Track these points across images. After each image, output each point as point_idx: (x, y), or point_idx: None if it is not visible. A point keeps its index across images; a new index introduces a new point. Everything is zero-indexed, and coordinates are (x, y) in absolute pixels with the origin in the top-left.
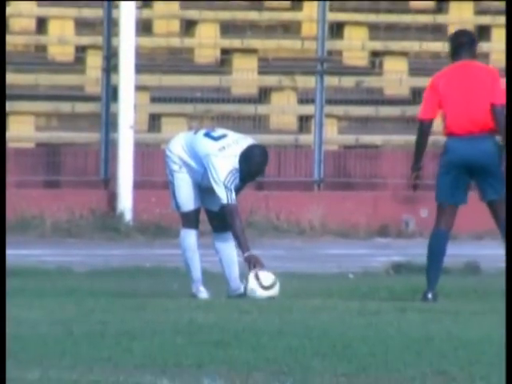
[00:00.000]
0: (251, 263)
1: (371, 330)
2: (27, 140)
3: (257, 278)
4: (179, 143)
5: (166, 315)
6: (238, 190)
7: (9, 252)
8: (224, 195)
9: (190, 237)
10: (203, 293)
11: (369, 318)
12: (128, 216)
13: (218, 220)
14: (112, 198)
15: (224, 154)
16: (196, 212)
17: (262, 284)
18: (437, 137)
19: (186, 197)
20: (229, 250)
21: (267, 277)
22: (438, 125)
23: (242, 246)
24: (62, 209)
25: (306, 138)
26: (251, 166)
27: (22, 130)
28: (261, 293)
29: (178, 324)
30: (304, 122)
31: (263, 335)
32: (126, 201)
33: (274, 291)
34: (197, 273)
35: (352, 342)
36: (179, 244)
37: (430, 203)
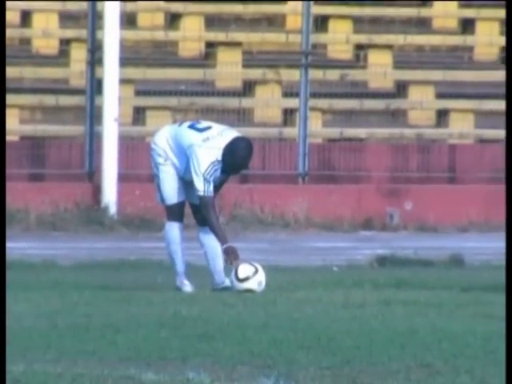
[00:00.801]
0: (229, 255)
1: (355, 323)
2: (12, 133)
3: (235, 270)
4: (164, 136)
5: (150, 308)
6: (221, 182)
7: (5, 254)
8: (201, 186)
9: (174, 230)
10: (187, 286)
11: (353, 310)
12: (112, 209)
13: (193, 212)
14: (96, 191)
15: (208, 145)
16: (180, 205)
17: (238, 276)
18: (422, 130)
19: (171, 190)
20: (213, 243)
21: (245, 269)
22: (424, 118)
23: (219, 237)
24: (47, 202)
25: (291, 131)
26: (236, 159)
27: (7, 123)
28: (236, 285)
29: (163, 317)
30: (288, 115)
31: (248, 328)
32: (110, 194)
33: (251, 284)
34: (181, 266)
35: (336, 334)
36: (164, 237)
37: (414, 196)
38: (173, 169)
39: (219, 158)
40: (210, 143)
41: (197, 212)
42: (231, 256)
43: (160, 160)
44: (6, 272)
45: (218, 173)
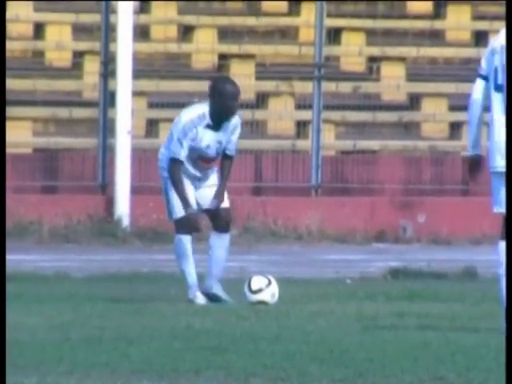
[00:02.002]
0: (187, 226)
1: (368, 336)
2: (25, 145)
3: (248, 282)
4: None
5: (163, 320)
6: (227, 144)
7: (6, 257)
8: (173, 148)
9: (184, 243)
10: (200, 298)
11: (366, 323)
12: (125, 221)
13: (219, 219)
14: (109, 204)
15: (190, 109)
16: (189, 217)
17: (251, 288)
18: (435, 142)
19: (179, 202)
20: (221, 250)
21: (258, 281)
22: (437, 131)
23: (182, 201)
24: (60, 214)
25: (304, 144)
26: (224, 99)
27: (20, 136)
28: (249, 296)
29: (176, 329)
30: (301, 127)
31: (261, 341)
32: (123, 206)
33: (264, 296)
34: (193, 278)
35: (349, 347)
36: (174, 250)
37: (428, 208)
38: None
39: (201, 112)
40: (193, 107)
41: (213, 217)
42: (188, 227)
43: (164, 173)
44: (5, 287)
45: (199, 132)
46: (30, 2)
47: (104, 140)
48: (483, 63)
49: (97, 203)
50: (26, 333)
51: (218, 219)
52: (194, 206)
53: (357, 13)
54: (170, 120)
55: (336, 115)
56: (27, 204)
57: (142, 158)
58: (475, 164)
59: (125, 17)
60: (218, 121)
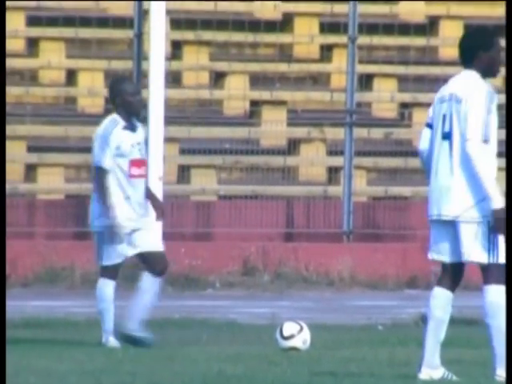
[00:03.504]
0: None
1: (400, 382)
2: (57, 191)
3: (280, 328)
4: None
5: (194, 366)
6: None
7: (38, 303)
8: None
9: (107, 288)
10: (113, 342)
11: (398, 369)
12: None
13: (157, 263)
14: None
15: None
16: (118, 265)
17: (283, 334)
18: None
19: (110, 250)
20: (152, 295)
21: (290, 327)
22: None
23: (111, 209)
24: (92, 260)
25: (335, 190)
26: (124, 97)
27: (52, 182)
28: (281, 342)
29: (207, 375)
30: (333, 173)
31: None
32: None
33: (296, 342)
34: (110, 324)
35: None
36: (96, 293)
37: None
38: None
39: (111, 118)
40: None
41: (149, 260)
42: (115, 235)
43: (95, 226)
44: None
45: (118, 134)
46: (63, 49)
47: None
48: (430, 111)
49: None
50: (58, 379)
51: (155, 263)
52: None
53: (388, 59)
54: (202, 166)
55: (368, 161)
56: (59, 250)
57: (173, 203)
58: None
59: (157, 63)
60: (129, 121)
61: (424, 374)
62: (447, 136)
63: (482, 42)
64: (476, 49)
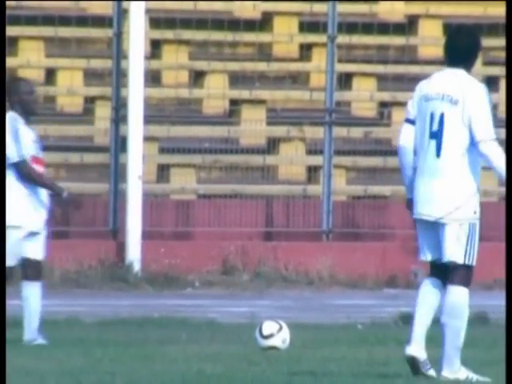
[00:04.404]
0: (70, 202)
1: (380, 381)
2: None
3: (260, 327)
4: None
5: (174, 365)
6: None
7: (16, 302)
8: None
9: (23, 288)
10: (40, 340)
11: (377, 368)
12: (136, 266)
13: (31, 267)
14: (120, 249)
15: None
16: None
17: (262, 333)
18: None
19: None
20: (36, 299)
21: (269, 326)
22: None
23: (54, 188)
24: (71, 259)
25: (315, 189)
26: (20, 96)
27: None
28: (260, 342)
29: (187, 375)
30: (312, 172)
31: None
32: (134, 251)
33: (275, 341)
34: (32, 323)
35: None
36: (21, 295)
37: None
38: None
39: (9, 116)
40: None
41: (26, 266)
42: (72, 204)
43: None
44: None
45: (22, 129)
46: (42, 48)
47: (115, 185)
48: (411, 108)
49: (108, 248)
50: (37, 378)
51: (29, 269)
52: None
53: (368, 58)
54: (182, 165)
55: (347, 160)
56: None
57: (153, 203)
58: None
59: (136, 62)
60: (25, 118)
61: (411, 349)
62: (435, 135)
63: (479, 42)
64: (475, 48)
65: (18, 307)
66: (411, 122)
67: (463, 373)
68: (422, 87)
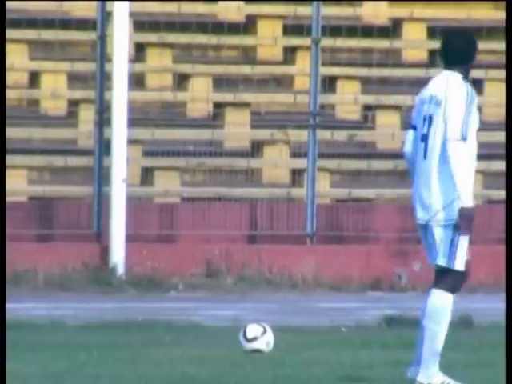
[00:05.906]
0: None
1: None
2: (20, 194)
3: (244, 330)
4: None
5: (158, 369)
6: None
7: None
8: None
9: None
10: None
11: (361, 371)
12: (120, 269)
13: None
14: (104, 252)
15: None
16: None
17: (246, 336)
18: None
19: None
20: None
21: (253, 329)
22: None
23: None
24: (55, 262)
25: (299, 192)
26: None
27: (15, 184)
28: (244, 345)
29: (171, 377)
30: (296, 175)
31: None
32: (118, 254)
33: (259, 344)
34: None
35: None
36: None
37: (423, 257)
38: None
39: None
40: None
41: None
42: None
43: None
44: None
45: None
46: (25, 51)
47: (99, 188)
48: (414, 113)
49: (92, 251)
50: (21, 381)
51: None
52: None
53: (352, 61)
54: (166, 168)
55: (331, 163)
56: (22, 252)
57: (137, 206)
58: None
59: (120, 65)
60: None
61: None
62: (424, 138)
63: (476, 44)
64: (473, 51)
65: None
66: (413, 127)
67: (439, 378)
68: (422, 91)
